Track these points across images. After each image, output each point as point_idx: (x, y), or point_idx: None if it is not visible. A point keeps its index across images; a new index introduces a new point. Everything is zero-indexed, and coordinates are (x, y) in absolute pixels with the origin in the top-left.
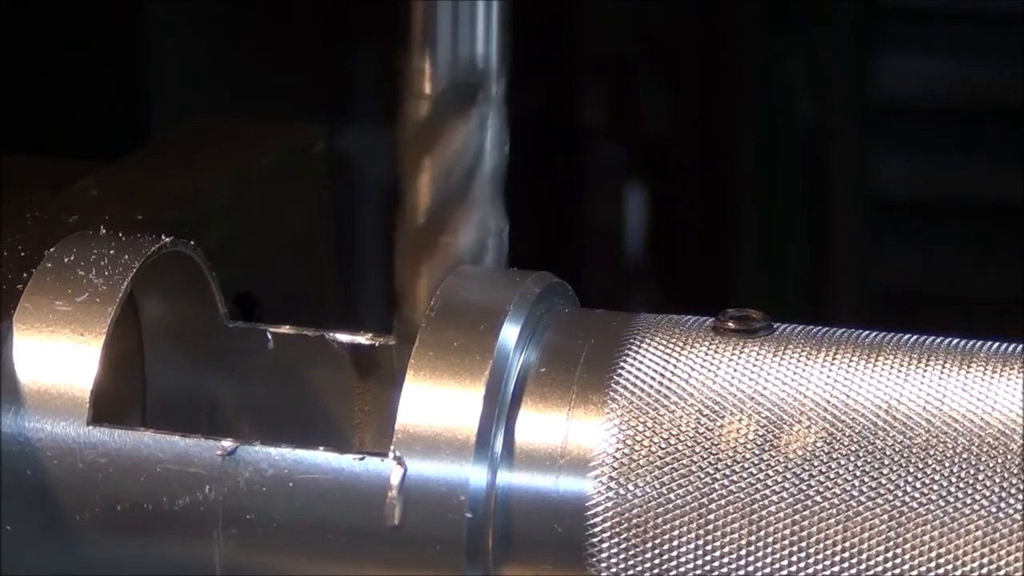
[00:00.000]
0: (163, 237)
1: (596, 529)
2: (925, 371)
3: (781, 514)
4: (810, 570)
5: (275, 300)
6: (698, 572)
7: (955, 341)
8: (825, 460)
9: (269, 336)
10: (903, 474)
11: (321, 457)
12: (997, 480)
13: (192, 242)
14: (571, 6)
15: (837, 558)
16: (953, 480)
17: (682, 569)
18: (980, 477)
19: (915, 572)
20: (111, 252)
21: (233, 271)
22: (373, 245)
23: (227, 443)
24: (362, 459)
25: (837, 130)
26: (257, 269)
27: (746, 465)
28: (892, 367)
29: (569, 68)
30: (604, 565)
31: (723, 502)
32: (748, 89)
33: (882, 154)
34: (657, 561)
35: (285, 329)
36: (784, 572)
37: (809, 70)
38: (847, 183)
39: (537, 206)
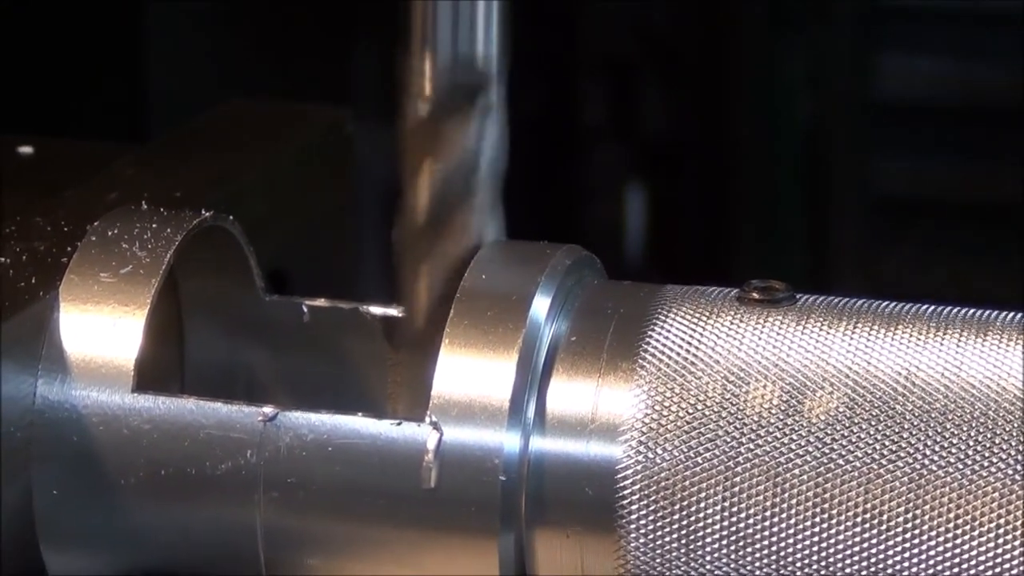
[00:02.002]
0: (203, 212)
1: (625, 492)
2: (943, 339)
3: (805, 477)
4: (832, 531)
5: (305, 276)
6: (724, 533)
7: (971, 311)
8: (847, 425)
9: (305, 308)
10: (922, 438)
11: (359, 423)
12: (1013, 443)
13: (231, 217)
14: (571, 6)
15: (859, 519)
16: (971, 444)
17: (708, 530)
18: (997, 440)
19: (934, 532)
20: (154, 226)
21: (265, 248)
22: (371, 245)
23: (268, 409)
24: (399, 424)
25: (837, 130)
26: (288, 246)
27: (771, 430)
28: (911, 336)
29: (569, 68)
30: (633, 526)
31: (748, 465)
32: (748, 89)
33: (882, 154)
34: (684, 522)
35: (320, 302)
36: (807, 533)
37: (809, 70)
38: (847, 183)
39: (537, 206)
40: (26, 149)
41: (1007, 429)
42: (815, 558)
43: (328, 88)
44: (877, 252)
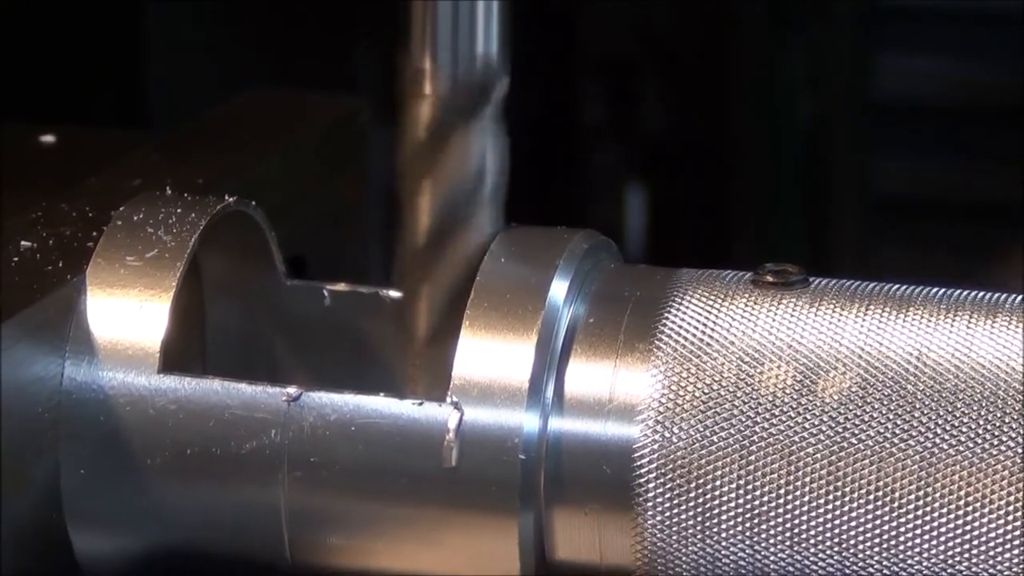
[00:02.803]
0: (227, 197)
1: (643, 470)
2: (954, 321)
3: (818, 455)
4: (845, 508)
5: (322, 262)
6: (739, 510)
7: (981, 294)
8: (860, 404)
9: (326, 293)
10: (934, 417)
11: (381, 403)
12: (1023, 423)
13: (253, 202)
14: (571, 6)
15: (871, 496)
16: (981, 423)
17: (724, 507)
18: (1006, 420)
19: (945, 509)
20: (178, 211)
21: (284, 235)
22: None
23: (292, 389)
24: (421, 404)
25: (837, 130)
26: (306, 233)
27: (785, 409)
28: (922, 318)
29: (569, 68)
30: (650, 504)
31: (763, 444)
32: (748, 89)
33: (882, 154)
34: (700, 500)
35: (340, 286)
36: (821, 510)
37: (809, 70)
38: (847, 183)
39: (537, 206)
40: (48, 138)
41: (1016, 409)
42: (828, 534)
43: (327, 88)
44: (877, 252)
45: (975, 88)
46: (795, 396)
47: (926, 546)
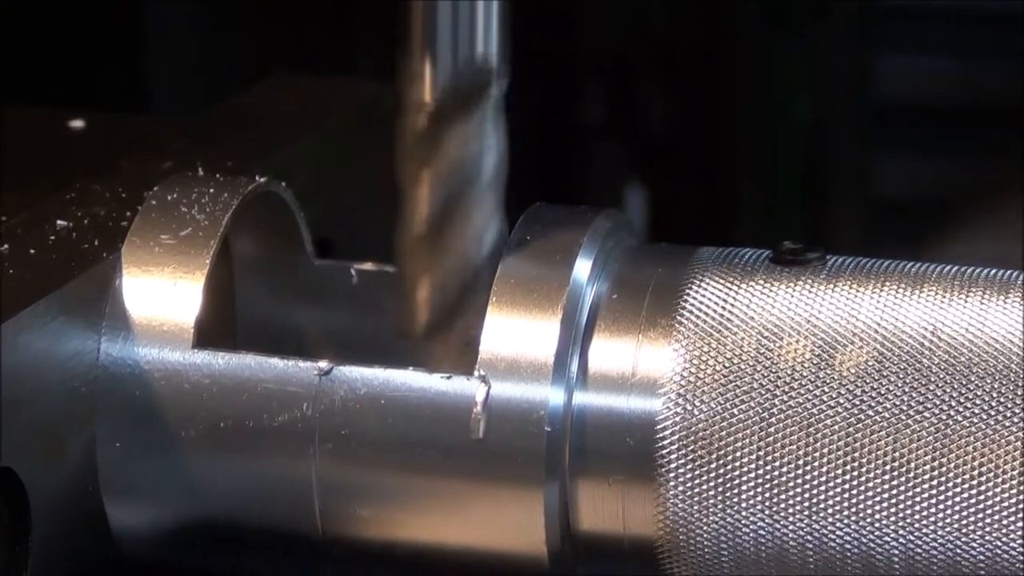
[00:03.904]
0: (258, 178)
1: (665, 442)
2: (967, 297)
3: (836, 427)
4: (862, 478)
5: (346, 246)
6: (759, 481)
7: (994, 271)
8: (876, 378)
9: (353, 272)
10: (948, 390)
11: (411, 377)
12: None
13: (284, 183)
14: (571, 6)
15: (887, 467)
16: (994, 395)
17: (744, 478)
18: (1019, 392)
19: (959, 479)
20: (211, 190)
21: (310, 217)
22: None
23: (324, 364)
24: (449, 378)
25: (837, 130)
26: (333, 215)
27: (803, 383)
28: (937, 294)
29: (569, 68)
30: (672, 475)
31: (782, 416)
32: (748, 89)
33: (882, 154)
34: (721, 471)
35: (367, 266)
36: (838, 480)
37: (809, 70)
38: (847, 183)
39: None
40: (77, 123)
41: None
42: (845, 504)
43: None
44: (877, 252)
45: (975, 88)
46: (813, 370)
47: (940, 515)
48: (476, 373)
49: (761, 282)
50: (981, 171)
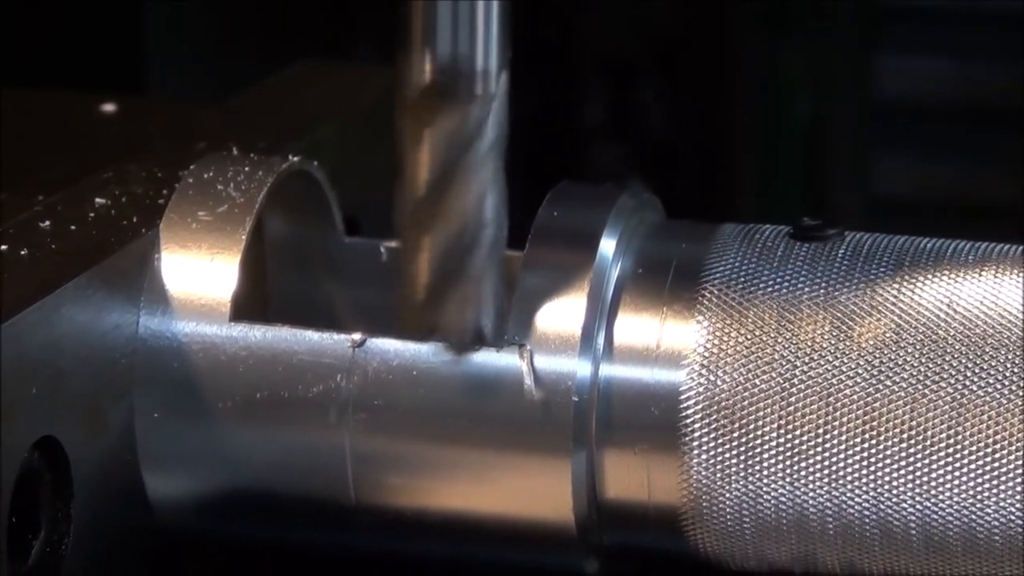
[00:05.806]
0: (291, 157)
1: (688, 412)
2: (982, 271)
3: (855, 397)
4: (880, 447)
5: (372, 225)
6: (780, 450)
7: (1008, 247)
8: (894, 349)
9: (383, 249)
10: (964, 361)
11: (442, 348)
12: None
13: (316, 162)
14: (571, 6)
15: (905, 435)
16: (1009, 366)
17: (765, 447)
18: None
19: (975, 448)
20: (246, 169)
21: (340, 196)
22: None
23: (357, 336)
24: (479, 349)
25: (837, 130)
26: (360, 195)
27: (823, 354)
28: (952, 268)
29: (569, 67)
30: (696, 444)
31: (802, 387)
32: (748, 89)
33: (882, 154)
34: (743, 440)
35: (396, 243)
36: (857, 449)
37: (809, 70)
38: (847, 183)
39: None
40: (109, 107)
41: None
42: (864, 472)
43: None
44: None
45: (975, 88)
46: (833, 342)
47: (956, 483)
48: (511, 340)
49: (781, 257)
50: (981, 171)
